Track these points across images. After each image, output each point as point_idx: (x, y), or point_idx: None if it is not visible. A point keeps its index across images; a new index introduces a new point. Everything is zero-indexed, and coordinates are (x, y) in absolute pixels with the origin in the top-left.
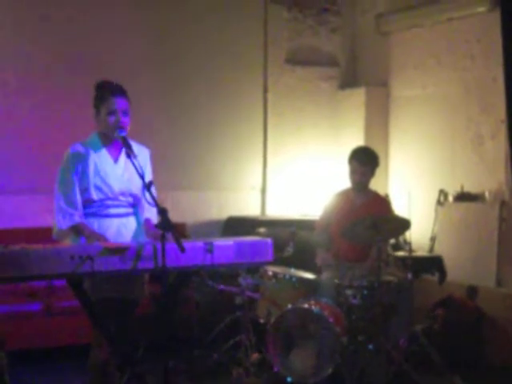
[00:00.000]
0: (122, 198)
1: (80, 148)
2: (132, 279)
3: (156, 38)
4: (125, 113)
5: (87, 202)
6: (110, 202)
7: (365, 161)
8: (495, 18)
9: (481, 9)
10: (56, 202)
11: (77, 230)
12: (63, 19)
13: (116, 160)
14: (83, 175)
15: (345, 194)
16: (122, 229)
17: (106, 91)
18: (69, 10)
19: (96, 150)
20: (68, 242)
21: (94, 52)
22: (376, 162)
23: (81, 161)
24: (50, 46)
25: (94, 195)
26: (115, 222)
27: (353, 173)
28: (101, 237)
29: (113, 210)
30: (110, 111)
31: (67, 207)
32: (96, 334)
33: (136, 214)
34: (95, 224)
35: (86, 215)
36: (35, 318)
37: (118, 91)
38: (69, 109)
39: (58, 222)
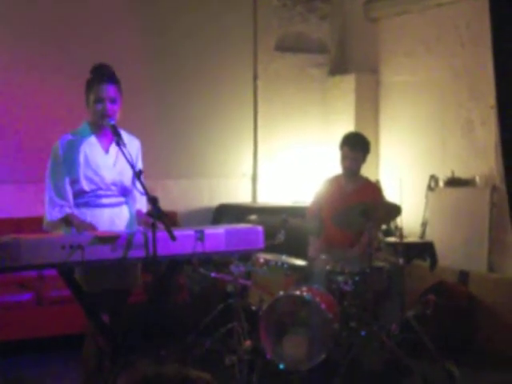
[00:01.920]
0: (113, 187)
1: (69, 138)
2: (124, 269)
3: (149, 28)
4: (113, 101)
5: (79, 193)
6: (102, 192)
7: (356, 146)
8: (484, 4)
9: None
10: (46, 194)
11: (67, 221)
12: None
13: (107, 150)
14: (73, 165)
15: (336, 180)
16: (114, 219)
17: (95, 78)
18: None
19: (86, 139)
20: (59, 233)
21: (88, 42)
22: (367, 148)
23: (70, 150)
24: (43, 36)
25: (86, 186)
26: (107, 211)
27: (344, 158)
28: (90, 226)
29: (105, 200)
30: (97, 99)
31: (57, 198)
32: (89, 324)
33: (128, 203)
34: (87, 214)
35: (78, 205)
36: (26, 308)
37: (107, 79)
38: (60, 99)
39: (49, 213)
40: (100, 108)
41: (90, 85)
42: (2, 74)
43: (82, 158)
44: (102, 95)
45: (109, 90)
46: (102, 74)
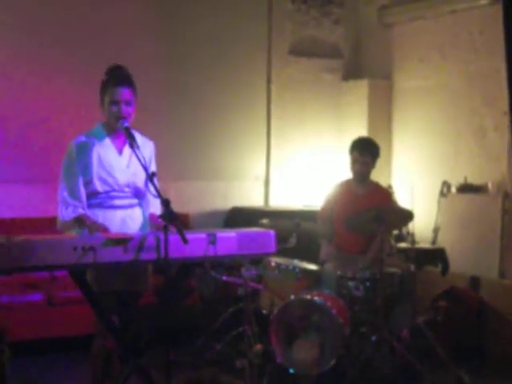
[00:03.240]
0: (127, 189)
1: (83, 139)
2: (135, 271)
3: (163, 33)
4: (128, 103)
5: (92, 194)
6: (115, 194)
7: (365, 151)
8: (498, 10)
9: (483, 1)
10: (60, 194)
11: (80, 222)
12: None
13: (120, 152)
14: (87, 166)
15: (346, 185)
16: (127, 220)
17: (111, 80)
18: (81, 7)
19: (100, 140)
20: (72, 234)
21: (105, 47)
22: (377, 152)
23: (84, 152)
24: (58, 41)
25: (99, 187)
26: (120, 213)
27: (354, 163)
28: (102, 227)
29: (118, 202)
30: (112, 101)
31: (70, 199)
32: (99, 324)
33: (141, 205)
34: (100, 215)
35: (91, 206)
36: (37, 309)
37: (123, 81)
38: (74, 100)
39: (62, 213)
40: (115, 110)
41: (105, 86)
42: (17, 77)
43: (95, 159)
44: (117, 97)
45: (124, 93)
46: (118, 77)
